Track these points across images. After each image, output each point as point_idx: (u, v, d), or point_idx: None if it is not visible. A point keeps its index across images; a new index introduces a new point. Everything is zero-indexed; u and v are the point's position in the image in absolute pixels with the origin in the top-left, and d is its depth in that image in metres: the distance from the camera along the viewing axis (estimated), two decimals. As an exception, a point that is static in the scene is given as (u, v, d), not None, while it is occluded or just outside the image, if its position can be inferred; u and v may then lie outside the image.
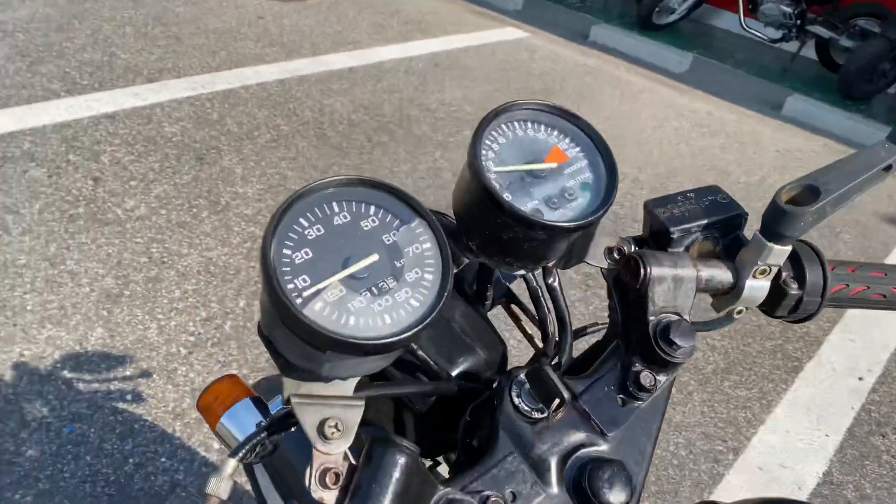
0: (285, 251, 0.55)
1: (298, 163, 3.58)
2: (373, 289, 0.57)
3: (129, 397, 2.30)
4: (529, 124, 0.81)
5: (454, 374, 0.82)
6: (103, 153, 3.37)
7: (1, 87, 3.74)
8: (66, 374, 2.32)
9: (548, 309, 0.86)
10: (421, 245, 0.61)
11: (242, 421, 0.71)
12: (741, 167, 4.67)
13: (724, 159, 4.73)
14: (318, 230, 0.58)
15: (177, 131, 3.65)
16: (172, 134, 3.62)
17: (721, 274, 0.77)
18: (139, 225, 2.92)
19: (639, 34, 6.69)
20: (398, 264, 0.59)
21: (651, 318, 0.73)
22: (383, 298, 0.57)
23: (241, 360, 2.46)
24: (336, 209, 0.59)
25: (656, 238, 0.82)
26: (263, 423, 0.69)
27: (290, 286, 0.54)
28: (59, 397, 2.25)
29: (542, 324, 0.87)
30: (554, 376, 0.67)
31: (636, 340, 0.75)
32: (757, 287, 0.78)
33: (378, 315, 0.56)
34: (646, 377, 0.73)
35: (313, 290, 0.55)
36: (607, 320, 0.86)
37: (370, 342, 0.53)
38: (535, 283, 0.86)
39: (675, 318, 0.73)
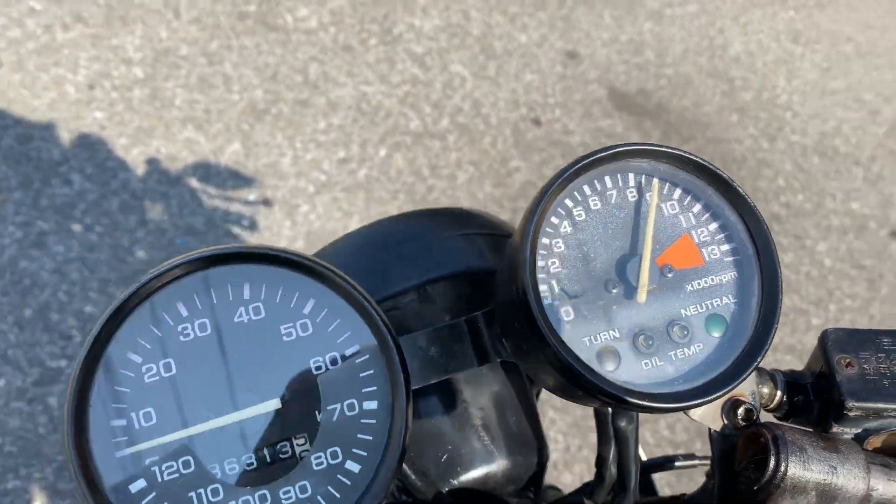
0: None
1: (488, 3, 3.28)
2: None
3: (245, 223, 2.28)
4: (627, 187, 0.55)
5: (446, 490, 0.64)
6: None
7: None
8: (194, 183, 2.31)
9: (614, 454, 0.64)
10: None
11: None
12: None
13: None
14: None
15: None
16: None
17: None
18: (304, 39, 2.79)
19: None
20: None
21: None
22: None
23: (364, 214, 2.37)
24: None
25: (821, 406, 0.54)
26: None
27: None
28: (181, 205, 2.25)
29: (599, 462, 0.66)
30: None
31: None
32: None
33: None
34: None
35: None
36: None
37: None
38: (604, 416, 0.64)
39: None
